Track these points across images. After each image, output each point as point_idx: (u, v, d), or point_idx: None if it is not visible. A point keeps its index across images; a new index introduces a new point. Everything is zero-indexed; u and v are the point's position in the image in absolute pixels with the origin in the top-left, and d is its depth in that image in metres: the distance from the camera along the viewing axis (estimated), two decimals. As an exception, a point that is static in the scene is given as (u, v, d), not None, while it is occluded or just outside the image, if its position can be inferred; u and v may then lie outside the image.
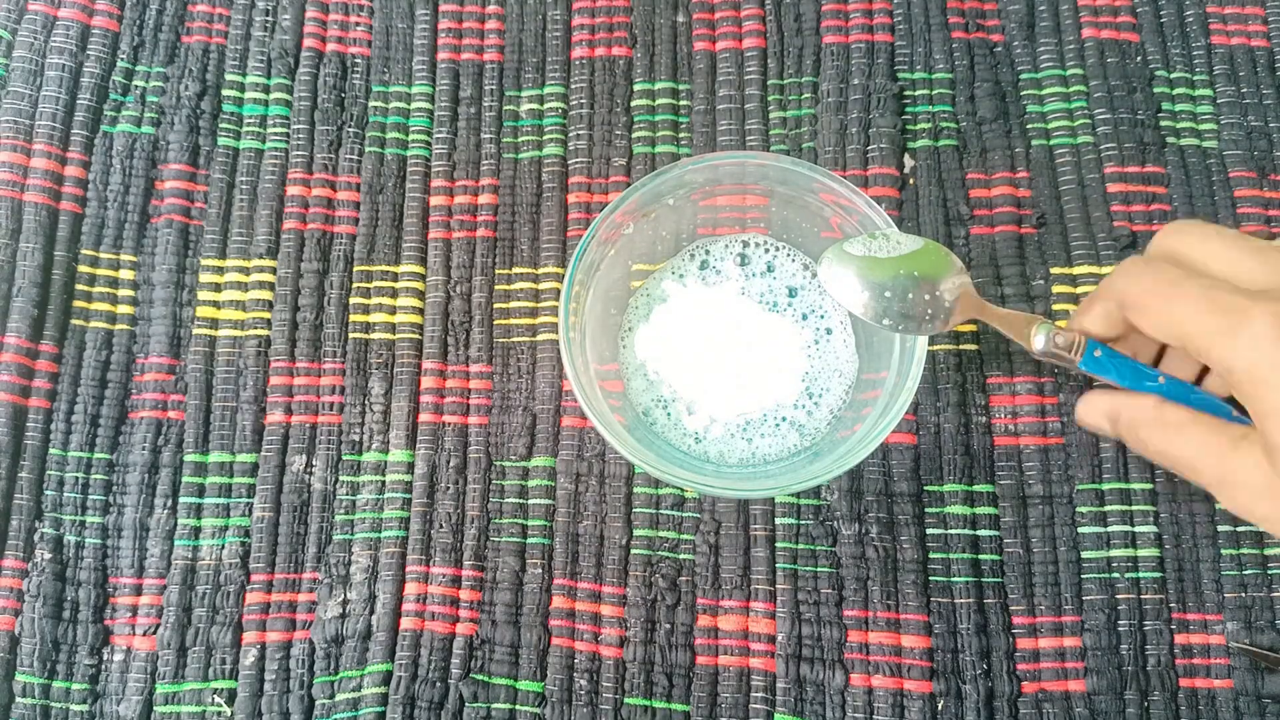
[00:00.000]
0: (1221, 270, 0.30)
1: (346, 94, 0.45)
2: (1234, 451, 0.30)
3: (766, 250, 0.39)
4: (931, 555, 0.38)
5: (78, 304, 0.42)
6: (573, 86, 0.45)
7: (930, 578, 0.38)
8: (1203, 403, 0.32)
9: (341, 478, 0.40)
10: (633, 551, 0.39)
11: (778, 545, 0.39)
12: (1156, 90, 0.44)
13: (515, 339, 0.41)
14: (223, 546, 0.39)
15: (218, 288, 0.42)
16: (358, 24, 0.46)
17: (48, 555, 0.38)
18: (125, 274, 0.42)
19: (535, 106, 0.45)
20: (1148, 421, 0.33)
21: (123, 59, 0.44)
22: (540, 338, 0.41)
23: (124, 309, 0.42)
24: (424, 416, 0.41)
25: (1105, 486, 0.39)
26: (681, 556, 0.39)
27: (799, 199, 0.37)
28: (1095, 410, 0.35)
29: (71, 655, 0.38)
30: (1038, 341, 0.34)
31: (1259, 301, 0.27)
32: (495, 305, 0.42)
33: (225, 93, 0.44)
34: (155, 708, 0.37)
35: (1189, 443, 0.31)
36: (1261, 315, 0.27)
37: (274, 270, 0.42)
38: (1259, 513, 0.29)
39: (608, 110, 0.44)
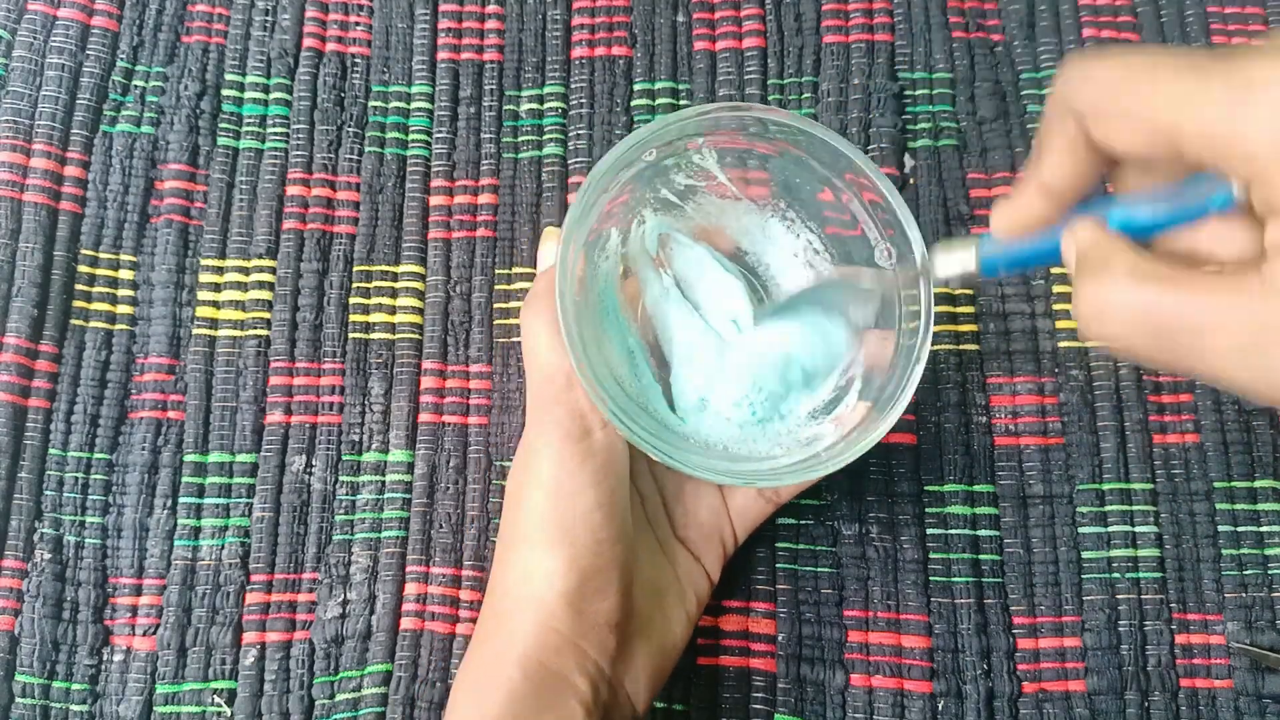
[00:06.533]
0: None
1: (346, 94, 0.45)
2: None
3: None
4: (932, 555, 0.38)
5: (77, 304, 0.41)
6: (573, 86, 0.45)
7: (930, 578, 0.38)
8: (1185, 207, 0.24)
9: (341, 478, 0.40)
10: (633, 551, 0.39)
11: (778, 545, 0.39)
12: (1157, 90, 0.44)
13: (515, 339, 0.41)
14: (222, 547, 0.39)
15: (217, 288, 0.42)
16: (357, 24, 0.46)
17: (47, 555, 0.38)
18: (125, 274, 0.42)
19: (535, 106, 0.45)
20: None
21: (122, 59, 0.44)
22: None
23: (124, 309, 0.42)
24: (424, 416, 0.41)
25: (1105, 486, 0.39)
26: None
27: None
28: (1122, 309, 0.23)
29: (71, 655, 0.38)
30: (943, 265, 0.29)
31: (1272, 55, 0.20)
32: (495, 305, 0.42)
33: (225, 93, 0.44)
34: (155, 708, 0.37)
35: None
36: None
37: (274, 270, 0.42)
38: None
39: (608, 110, 0.44)
